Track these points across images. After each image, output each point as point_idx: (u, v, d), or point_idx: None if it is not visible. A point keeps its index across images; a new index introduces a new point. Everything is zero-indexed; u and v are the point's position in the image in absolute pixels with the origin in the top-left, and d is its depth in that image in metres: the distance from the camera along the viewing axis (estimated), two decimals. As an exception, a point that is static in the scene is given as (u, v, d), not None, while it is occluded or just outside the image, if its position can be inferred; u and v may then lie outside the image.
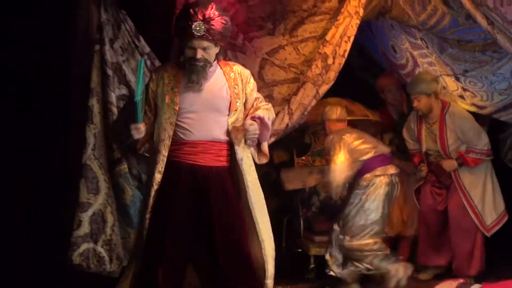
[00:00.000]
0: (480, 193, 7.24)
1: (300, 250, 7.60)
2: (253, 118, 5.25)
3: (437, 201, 7.37)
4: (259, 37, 6.57)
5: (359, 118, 7.58)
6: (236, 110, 5.26)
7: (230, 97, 5.28)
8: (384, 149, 6.91)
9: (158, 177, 5.16)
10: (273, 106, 6.24)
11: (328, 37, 6.42)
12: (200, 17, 5.07)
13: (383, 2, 6.76)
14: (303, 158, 7.80)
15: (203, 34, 5.07)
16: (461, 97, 7.45)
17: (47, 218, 6.28)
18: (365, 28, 7.54)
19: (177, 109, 5.16)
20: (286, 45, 6.56)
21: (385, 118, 7.89)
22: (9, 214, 6.34)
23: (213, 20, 5.06)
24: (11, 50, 6.33)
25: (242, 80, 5.34)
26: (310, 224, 7.68)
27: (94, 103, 6.13)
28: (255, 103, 5.36)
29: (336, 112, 7.15)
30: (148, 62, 6.39)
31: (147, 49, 6.39)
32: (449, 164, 7.27)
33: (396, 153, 7.45)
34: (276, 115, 6.27)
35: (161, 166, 5.18)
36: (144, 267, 5.17)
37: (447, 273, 7.05)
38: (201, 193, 5.18)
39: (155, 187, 5.16)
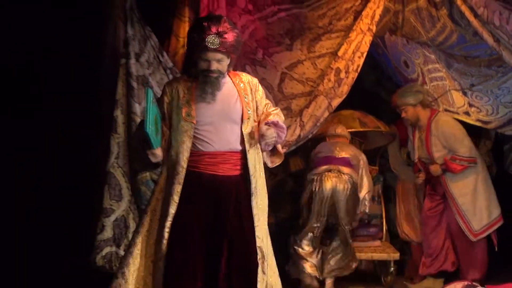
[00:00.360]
0: (469, 200, 7.18)
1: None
2: (267, 124, 5.16)
3: (434, 208, 7.34)
4: (278, 52, 6.72)
5: (371, 129, 7.67)
6: (248, 119, 5.22)
7: (242, 106, 5.24)
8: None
9: (178, 187, 5.10)
10: (291, 117, 6.45)
11: (340, 53, 6.53)
12: (213, 30, 5.05)
13: (394, 19, 6.88)
14: None
15: (217, 47, 5.07)
16: (467, 113, 7.39)
17: (72, 220, 6.37)
18: (380, 43, 7.53)
19: (195, 123, 5.12)
20: (304, 60, 6.69)
21: (402, 132, 7.85)
22: (39, 214, 6.47)
23: (226, 33, 5.05)
24: (44, 63, 6.53)
25: (251, 89, 5.30)
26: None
27: (119, 114, 6.24)
28: (265, 109, 5.32)
29: (336, 128, 7.33)
30: (171, 76, 6.42)
31: (170, 64, 6.45)
32: (434, 169, 7.25)
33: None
34: (289, 127, 6.39)
35: (181, 178, 5.12)
36: (168, 278, 5.09)
37: (454, 276, 7.04)
38: (220, 203, 5.14)
39: (175, 197, 5.09)
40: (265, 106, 5.33)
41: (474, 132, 7.61)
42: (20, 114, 6.56)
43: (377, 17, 6.61)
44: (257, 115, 5.28)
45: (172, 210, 5.08)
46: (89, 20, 6.46)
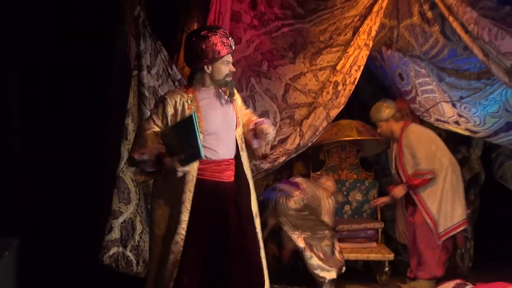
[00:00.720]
0: (437, 205, 7.25)
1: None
2: (260, 124, 5.31)
3: (409, 214, 7.45)
4: (283, 65, 6.89)
5: (368, 138, 7.86)
6: (240, 124, 5.33)
7: (236, 113, 5.35)
8: None
9: (189, 195, 5.13)
10: (293, 126, 6.66)
11: (338, 67, 6.71)
12: (227, 33, 5.21)
13: (389, 34, 7.00)
14: (318, 172, 8.05)
15: (233, 48, 5.22)
16: (456, 123, 7.53)
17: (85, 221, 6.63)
18: (379, 57, 7.74)
19: (203, 133, 5.12)
20: (306, 72, 6.86)
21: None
22: (50, 214, 6.74)
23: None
24: (61, 73, 6.85)
25: (235, 96, 5.38)
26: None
27: (129, 122, 6.37)
28: (246, 112, 5.46)
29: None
30: None
31: (179, 76, 6.59)
32: (397, 192, 7.40)
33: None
34: (290, 136, 6.64)
35: (191, 185, 5.15)
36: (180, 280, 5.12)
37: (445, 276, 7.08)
38: (222, 208, 5.21)
39: (187, 205, 5.13)
40: (246, 109, 5.50)
41: (465, 141, 7.85)
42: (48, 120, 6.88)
43: (373, 33, 6.75)
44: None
45: (185, 217, 5.12)
46: (102, 35, 6.75)
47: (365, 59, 6.78)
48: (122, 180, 6.29)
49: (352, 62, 6.75)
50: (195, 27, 6.72)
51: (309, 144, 6.90)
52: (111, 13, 6.76)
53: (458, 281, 5.96)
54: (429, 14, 6.86)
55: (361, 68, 6.77)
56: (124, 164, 6.32)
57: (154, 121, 5.17)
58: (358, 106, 8.09)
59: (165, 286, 5.15)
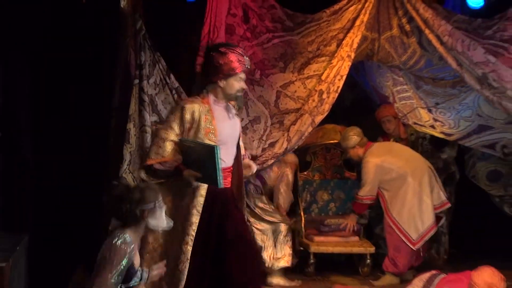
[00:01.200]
0: (405, 214, 7.47)
1: (302, 248, 7.86)
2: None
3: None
4: (274, 74, 7.01)
5: None
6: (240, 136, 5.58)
7: (239, 125, 5.60)
8: None
9: (201, 200, 5.30)
10: (282, 131, 6.86)
11: (323, 77, 6.84)
12: (244, 53, 5.44)
13: (371, 45, 7.15)
14: (305, 173, 8.24)
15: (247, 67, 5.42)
16: (432, 126, 7.79)
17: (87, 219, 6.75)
18: (360, 67, 7.98)
19: (217, 143, 5.24)
20: (295, 80, 6.98)
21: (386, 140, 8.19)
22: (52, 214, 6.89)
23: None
24: (67, 84, 7.05)
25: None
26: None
27: (131, 127, 6.57)
28: None
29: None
30: (175, 96, 6.72)
31: (176, 84, 6.73)
32: (351, 222, 7.75)
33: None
34: (278, 140, 6.85)
35: (203, 191, 5.31)
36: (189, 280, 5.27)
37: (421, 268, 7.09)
38: (223, 214, 5.38)
39: (199, 208, 5.28)
40: None
41: (441, 143, 8.07)
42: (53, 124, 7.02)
43: (355, 45, 6.87)
44: None
45: (195, 219, 5.29)
46: (102, 35, 6.96)
47: (348, 69, 6.91)
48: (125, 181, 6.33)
49: (336, 72, 6.88)
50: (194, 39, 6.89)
51: (295, 147, 7.09)
52: (111, 13, 6.90)
53: (433, 272, 6.11)
54: (407, 27, 7.02)
55: (344, 77, 6.90)
56: (127, 165, 6.47)
57: (172, 128, 5.32)
58: (342, 112, 8.32)
59: (176, 286, 5.29)
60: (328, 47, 7.02)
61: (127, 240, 4.43)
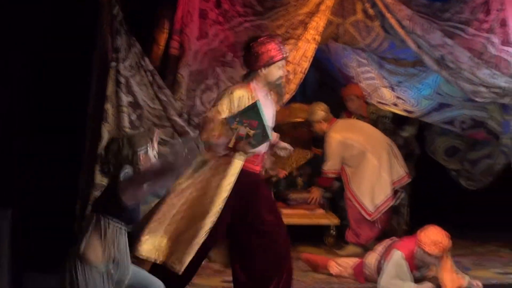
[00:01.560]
0: (363, 187, 7.70)
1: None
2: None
3: None
4: None
5: None
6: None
7: (275, 114, 5.71)
8: None
9: (231, 179, 5.41)
10: None
11: (290, 59, 6.84)
12: (282, 42, 5.60)
13: (336, 30, 7.32)
14: None
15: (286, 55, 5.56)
16: (395, 104, 8.02)
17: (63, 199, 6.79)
18: (325, 49, 8.12)
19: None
20: None
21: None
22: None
23: None
24: (48, 68, 7.09)
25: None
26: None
27: (109, 107, 6.67)
28: None
29: None
30: (150, 78, 6.84)
31: (150, 67, 6.85)
32: (316, 195, 7.99)
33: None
34: None
35: (236, 169, 5.44)
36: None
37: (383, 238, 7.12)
38: (255, 198, 5.59)
39: (229, 186, 5.42)
40: None
41: (402, 121, 8.30)
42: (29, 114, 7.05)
43: (320, 29, 6.98)
44: None
45: (225, 195, 5.42)
46: (82, 32, 7.01)
47: (314, 52, 7.03)
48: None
49: (302, 54, 6.99)
50: (166, 24, 7.05)
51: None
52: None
53: (393, 238, 6.67)
54: (371, 11, 7.22)
55: (310, 59, 7.00)
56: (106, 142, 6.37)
57: (219, 113, 5.42)
58: (310, 92, 8.61)
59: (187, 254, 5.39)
60: (296, 30, 7.12)
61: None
